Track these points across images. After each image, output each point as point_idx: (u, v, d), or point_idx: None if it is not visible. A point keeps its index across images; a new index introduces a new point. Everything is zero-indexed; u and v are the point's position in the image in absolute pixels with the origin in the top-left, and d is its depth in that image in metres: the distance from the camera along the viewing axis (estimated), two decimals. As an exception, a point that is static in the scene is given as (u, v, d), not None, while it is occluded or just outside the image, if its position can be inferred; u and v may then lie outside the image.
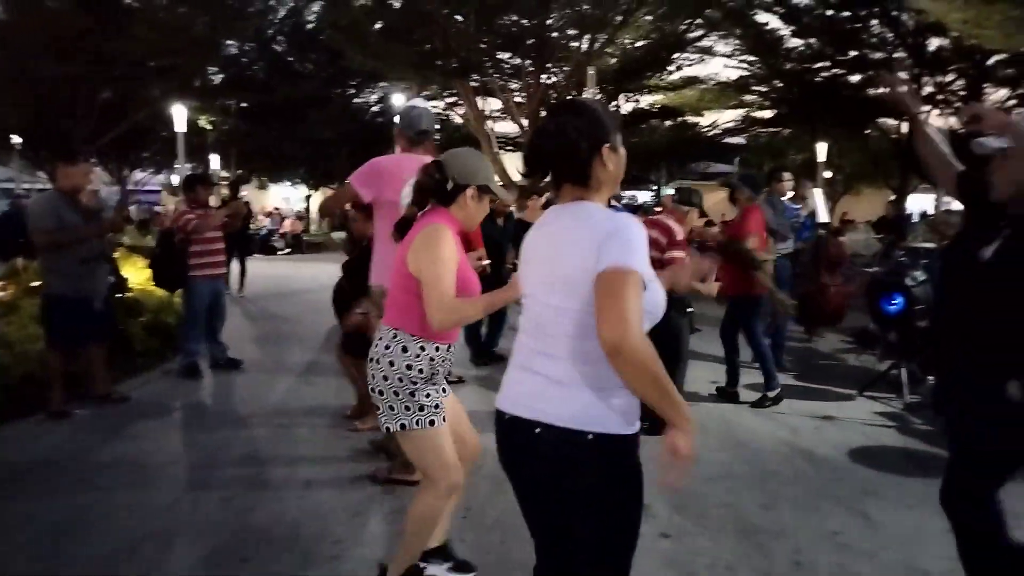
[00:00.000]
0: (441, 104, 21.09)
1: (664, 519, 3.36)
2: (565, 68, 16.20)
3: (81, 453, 4.13)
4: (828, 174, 21.57)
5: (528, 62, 16.08)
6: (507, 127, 18.93)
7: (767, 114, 19.85)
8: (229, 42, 19.82)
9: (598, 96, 15.79)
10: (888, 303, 5.58)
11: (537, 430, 1.68)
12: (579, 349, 1.64)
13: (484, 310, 2.46)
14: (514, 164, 18.49)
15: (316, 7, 20.35)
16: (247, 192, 22.14)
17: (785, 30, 17.03)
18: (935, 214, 12.56)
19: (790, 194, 6.88)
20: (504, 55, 16.46)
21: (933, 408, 5.06)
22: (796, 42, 17.34)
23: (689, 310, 4.86)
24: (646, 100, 20.07)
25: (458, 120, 20.31)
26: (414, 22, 14.80)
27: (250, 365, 6.22)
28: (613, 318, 1.50)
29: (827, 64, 17.46)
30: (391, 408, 2.38)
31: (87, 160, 5.29)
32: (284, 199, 33.48)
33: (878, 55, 16.43)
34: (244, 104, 22.22)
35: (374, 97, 24.24)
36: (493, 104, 17.71)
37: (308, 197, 29.36)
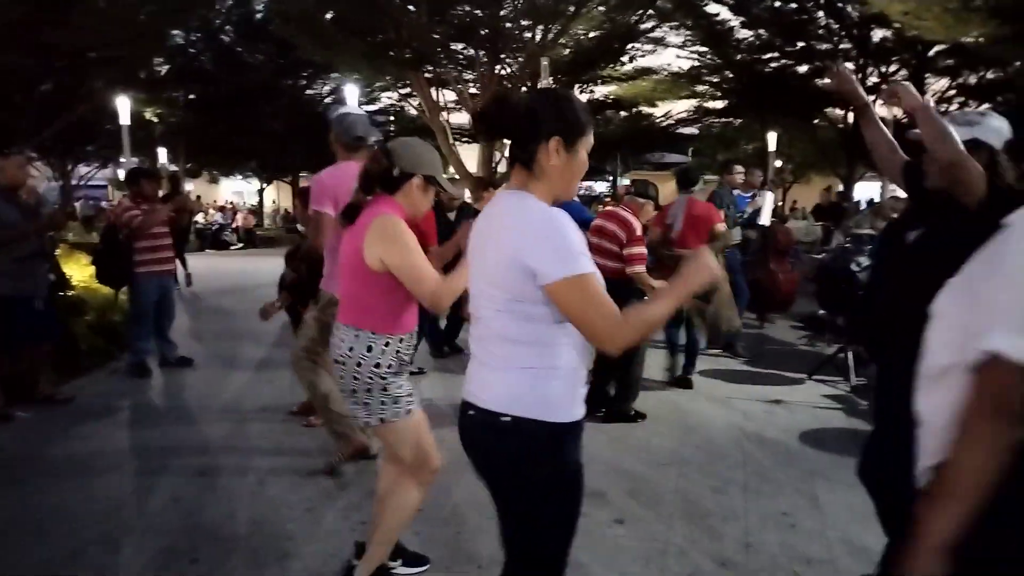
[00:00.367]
0: (395, 96, 20.91)
1: (618, 506, 3.41)
2: (519, 58, 16.17)
3: (24, 455, 4.01)
4: (779, 163, 21.99)
5: (482, 53, 16.01)
6: (462, 118, 18.83)
7: (719, 104, 20.09)
8: (175, 32, 19.30)
9: (553, 87, 15.83)
10: (834, 289, 5.73)
11: (470, 412, 1.73)
12: (505, 332, 1.66)
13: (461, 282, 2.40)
14: (471, 156, 18.45)
15: (265, -4, 19.95)
16: (192, 186, 21.61)
17: (735, 21, 17.27)
18: (881, 201, 12.91)
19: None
20: (458, 46, 16.36)
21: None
22: (746, 33, 17.58)
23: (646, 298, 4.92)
24: (600, 91, 20.17)
25: (413, 112, 20.14)
26: (365, 12, 14.59)
27: (201, 362, 6.10)
28: (598, 330, 1.57)
29: (776, 55, 17.76)
30: (367, 404, 2.40)
31: (21, 152, 5.11)
32: (236, 193, 32.84)
33: (824, 46, 16.78)
34: (192, 96, 21.67)
35: (327, 88, 23.88)
36: (448, 96, 17.60)
37: (261, 191, 28.83)
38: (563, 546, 1.75)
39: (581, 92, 19.45)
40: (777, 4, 16.62)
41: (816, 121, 19.02)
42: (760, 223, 7.25)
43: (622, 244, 4.49)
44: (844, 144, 17.43)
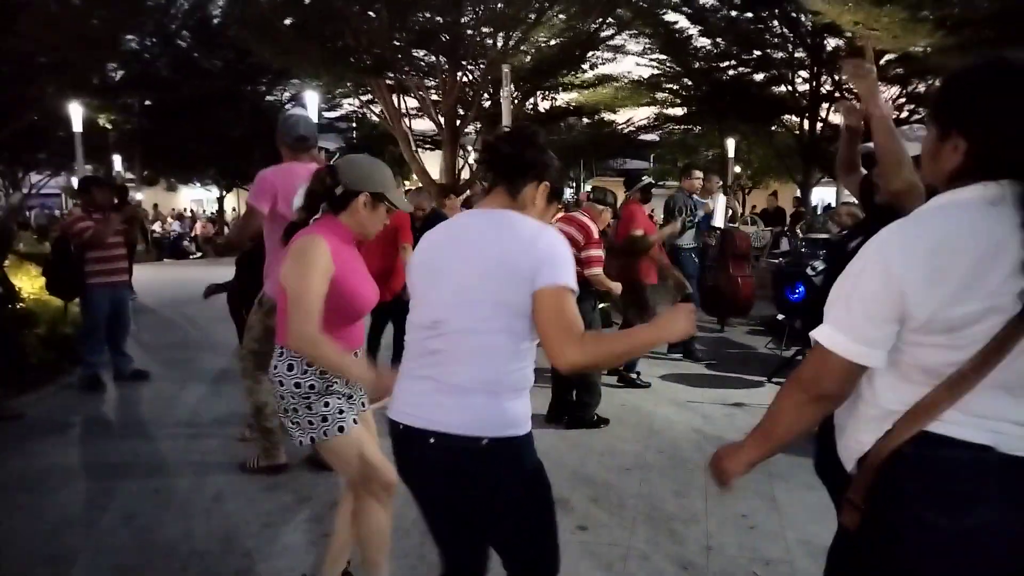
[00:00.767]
0: (356, 102, 20.75)
1: (581, 512, 3.41)
2: (481, 65, 16.19)
3: (-32, 476, 3.87)
4: (738, 169, 22.37)
5: (443, 60, 15.99)
6: (425, 125, 18.78)
7: (679, 111, 20.36)
8: (129, 37, 18.91)
9: (514, 94, 15.88)
10: (791, 292, 5.83)
11: (431, 440, 1.66)
12: (474, 349, 1.64)
13: (334, 368, 2.24)
14: (433, 163, 18.39)
15: (222, 1, 19.67)
16: (141, 195, 21.14)
17: (693, 30, 17.55)
18: (837, 206, 13.21)
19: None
20: (419, 52, 16.31)
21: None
22: (704, 42, 17.88)
23: (602, 305, 4.97)
24: (562, 98, 20.29)
25: (375, 119, 20.02)
26: (324, 18, 14.47)
27: (157, 375, 5.96)
28: (561, 341, 1.59)
29: (733, 63, 18.10)
30: (296, 424, 2.30)
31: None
32: (195, 201, 32.25)
33: (780, 55, 17.15)
34: (148, 102, 21.23)
35: (287, 95, 23.62)
36: (410, 102, 17.53)
37: (221, 199, 28.36)
38: (555, 542, 1.81)
39: (543, 99, 19.57)
40: (734, 14, 16.94)
41: (773, 128, 19.42)
42: (714, 225, 7.38)
43: (579, 247, 4.53)
44: (801, 150, 17.82)
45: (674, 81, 19.10)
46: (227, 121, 20.59)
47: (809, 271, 5.73)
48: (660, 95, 19.55)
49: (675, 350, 6.53)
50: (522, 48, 16.16)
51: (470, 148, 18.87)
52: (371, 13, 14.81)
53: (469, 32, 15.56)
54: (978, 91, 1.29)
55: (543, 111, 19.73)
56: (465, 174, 17.34)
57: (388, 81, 16.04)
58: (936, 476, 1.29)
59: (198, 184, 29.66)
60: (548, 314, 1.60)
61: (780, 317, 7.00)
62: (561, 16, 15.83)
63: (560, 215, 5.13)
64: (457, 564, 1.90)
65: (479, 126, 18.41)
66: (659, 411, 5.05)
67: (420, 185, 15.20)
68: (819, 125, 17.16)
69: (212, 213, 28.01)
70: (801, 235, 9.15)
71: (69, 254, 5.48)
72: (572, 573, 2.85)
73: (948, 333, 1.24)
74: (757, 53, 17.31)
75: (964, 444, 1.28)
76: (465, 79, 16.69)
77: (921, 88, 16.39)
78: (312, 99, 13.07)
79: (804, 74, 17.25)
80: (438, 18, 15.27)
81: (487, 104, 16.83)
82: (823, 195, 23.32)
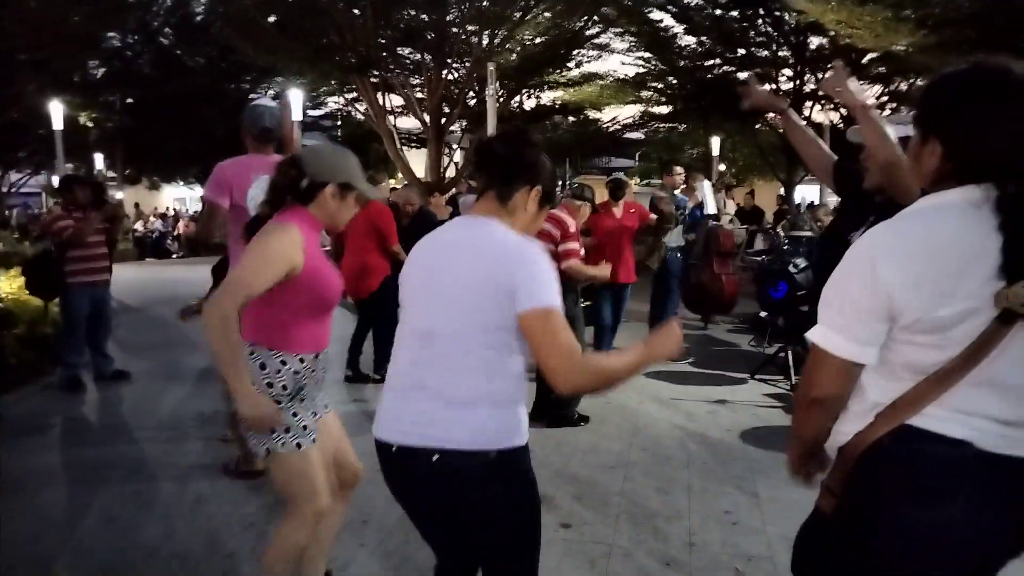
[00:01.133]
0: (341, 100, 20.67)
1: (564, 510, 3.42)
2: (466, 63, 16.18)
3: (-55, 479, 3.82)
4: (722, 167, 22.47)
5: (428, 57, 15.96)
6: (410, 123, 18.73)
7: (664, 110, 20.44)
8: (111, 34, 18.73)
9: (500, 93, 15.86)
10: (774, 290, 5.87)
11: (435, 457, 1.62)
12: (472, 361, 1.63)
13: (221, 361, 2.04)
14: (419, 161, 18.35)
15: (205, -1, 19.52)
16: (122, 194, 20.91)
17: (678, 28, 17.61)
18: (819, 205, 13.30)
19: (682, 186, 7.13)
20: (404, 50, 16.29)
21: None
22: (688, 40, 17.95)
23: (586, 303, 4.98)
24: (547, 96, 20.31)
25: (359, 116, 19.95)
26: (309, 16, 14.41)
27: (139, 376, 5.91)
28: (560, 365, 1.58)
29: (718, 61, 18.19)
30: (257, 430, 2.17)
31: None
32: (178, 200, 31.97)
33: (764, 53, 17.24)
34: (129, 100, 21.03)
35: (271, 92, 23.48)
36: (395, 100, 17.48)
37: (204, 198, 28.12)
38: (538, 549, 1.82)
39: (528, 97, 19.58)
40: (718, 12, 17.01)
41: (758, 126, 19.52)
42: (708, 213, 7.37)
43: (556, 241, 4.54)
44: (784, 148, 17.92)
45: (659, 79, 19.15)
46: (210, 119, 20.43)
47: (791, 268, 5.76)
48: (645, 93, 19.60)
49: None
50: (507, 46, 16.17)
51: (455, 146, 18.84)
52: (356, 11, 14.76)
53: (454, 30, 15.56)
54: (952, 97, 1.34)
55: (528, 109, 19.74)
56: (450, 172, 17.31)
57: (373, 79, 16.00)
58: (913, 469, 1.32)
59: (181, 183, 29.42)
60: (539, 339, 1.59)
61: (763, 314, 7.04)
62: (546, 14, 15.86)
63: None
64: (451, 564, 1.91)
65: (464, 124, 18.40)
66: (643, 409, 5.07)
67: (407, 183, 15.16)
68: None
69: (195, 212, 27.76)
70: (783, 233, 9.20)
71: (49, 253, 5.42)
72: (555, 570, 2.86)
73: (934, 333, 1.27)
74: (741, 51, 17.41)
75: (942, 438, 1.30)
76: (450, 77, 16.69)
77: (903, 87, 16.55)
78: (296, 97, 12.98)
79: (788, 72, 17.36)
80: (423, 16, 15.26)
81: (472, 102, 16.82)
82: (805, 193, 23.47)
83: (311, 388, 2.28)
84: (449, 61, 16.24)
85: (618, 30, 17.53)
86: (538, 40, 16.94)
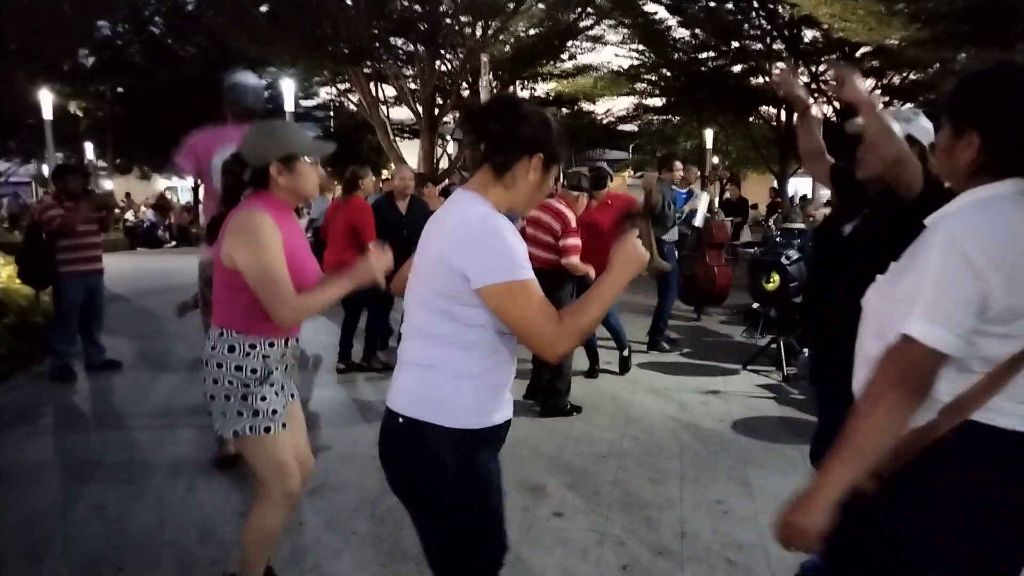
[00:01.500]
0: (334, 91, 20.56)
1: (557, 499, 3.43)
2: (460, 54, 16.11)
3: (-66, 468, 3.80)
4: (716, 159, 22.48)
5: (422, 48, 15.88)
6: (403, 114, 18.66)
7: (657, 102, 20.44)
8: (101, 23, 18.55)
9: (494, 84, 15.79)
10: (766, 281, 5.88)
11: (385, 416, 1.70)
12: (421, 328, 1.64)
13: (332, 299, 2.22)
14: (412, 151, 18.28)
15: (196, -13, 19.34)
16: (112, 184, 20.75)
17: (672, 20, 17.59)
18: (811, 199, 13.35)
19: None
20: (397, 41, 16.19)
21: (808, 379, 5.41)
22: (682, 32, 17.94)
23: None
24: (541, 88, 20.27)
25: (352, 107, 19.85)
26: (301, 6, 14.30)
27: (130, 365, 5.88)
28: (534, 338, 1.55)
29: (712, 54, 18.18)
30: (223, 414, 2.19)
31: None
32: (170, 189, 31.79)
33: (758, 46, 17.25)
34: (120, 89, 20.85)
35: (263, 82, 23.33)
36: (388, 91, 17.40)
37: (196, 188, 27.95)
38: (467, 563, 1.70)
39: (522, 89, 19.51)
40: (712, 4, 16.99)
41: (751, 119, 19.54)
42: (695, 224, 7.39)
43: (557, 235, 4.53)
44: (778, 141, 17.96)
45: (653, 71, 19.14)
46: (201, 109, 20.25)
47: (784, 260, 5.77)
48: (639, 85, 19.60)
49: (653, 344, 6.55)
50: (501, 37, 16.12)
51: (448, 137, 18.78)
52: (348, 1, 14.67)
53: (448, 21, 15.47)
54: (992, 90, 1.36)
55: (522, 101, 19.65)
56: (444, 163, 17.26)
57: (366, 70, 15.91)
58: (980, 464, 1.35)
59: (172, 174, 29.26)
60: (505, 314, 1.54)
61: (755, 306, 7.06)
62: (540, 5, 15.82)
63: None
64: None
65: (457, 115, 18.32)
66: (635, 399, 5.08)
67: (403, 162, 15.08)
68: (796, 116, 17.28)
69: (187, 202, 27.61)
70: (775, 227, 9.23)
71: (41, 242, 5.39)
72: (547, 558, 2.87)
73: (1009, 323, 1.29)
74: (735, 44, 17.40)
75: (1005, 433, 1.33)
76: (443, 68, 16.62)
77: (896, 80, 16.59)
78: (288, 87, 12.89)
79: (782, 65, 17.36)
80: (416, 6, 15.18)
81: (466, 93, 16.76)
82: (797, 186, 23.53)
83: (281, 373, 2.28)
84: (442, 52, 16.16)
85: (612, 22, 17.50)
86: (532, 31, 16.89)
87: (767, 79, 17.86)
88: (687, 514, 3.30)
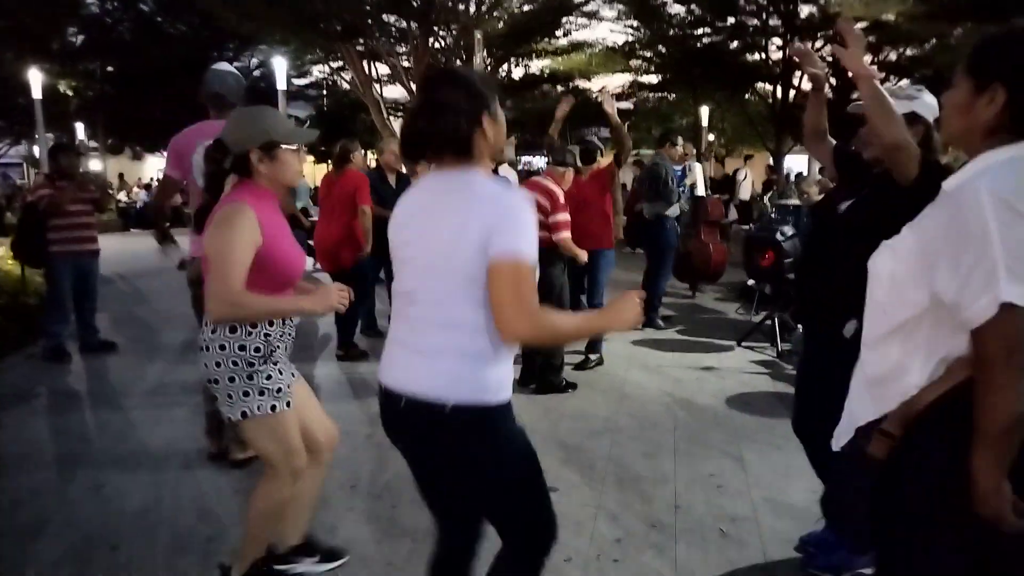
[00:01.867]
0: (327, 69, 20.37)
1: (552, 474, 3.42)
2: (453, 31, 15.96)
3: (-72, 448, 3.80)
4: (711, 137, 22.38)
5: (415, 25, 15.72)
6: (396, 92, 18.51)
7: (653, 79, 20.31)
8: (89, 0, 18.33)
9: (487, 61, 15.66)
10: (761, 258, 5.88)
11: (402, 403, 1.65)
12: (442, 316, 1.61)
13: (279, 311, 2.19)
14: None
15: (185, -37, 19.05)
16: (99, 164, 20.60)
17: (667, -5, 17.43)
18: (805, 176, 13.32)
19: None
20: (389, 18, 16.01)
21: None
22: (678, 8, 17.77)
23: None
24: (536, 65, 20.10)
25: (345, 86, 19.68)
26: (292, -19, 14.11)
27: (124, 347, 5.87)
28: (512, 315, 1.52)
29: (707, 30, 18.03)
30: (229, 396, 2.19)
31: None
32: (161, 171, 31.55)
33: (754, 22, 17.10)
34: (110, 68, 20.64)
35: (255, 61, 23.08)
36: (381, 69, 17.24)
37: (188, 169, 27.76)
38: (542, 505, 1.79)
39: (516, 66, 19.38)
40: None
41: (747, 96, 19.42)
42: (697, 195, 7.41)
43: (547, 213, 4.52)
44: (773, 118, 17.87)
45: (648, 48, 18.99)
46: (192, 89, 20.06)
47: (779, 236, 5.77)
48: (634, 62, 19.46)
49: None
50: (495, 13, 15.95)
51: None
52: (340, -23, 14.47)
53: (440, -4, 15.30)
54: (1019, 42, 1.36)
55: (517, 78, 19.54)
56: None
57: (359, 47, 15.75)
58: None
59: (164, 153, 29.03)
60: (499, 285, 1.53)
61: (750, 283, 7.07)
62: (534, -20, 15.63)
63: (526, 181, 5.09)
64: (444, 532, 1.90)
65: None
66: (630, 375, 5.10)
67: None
68: (792, 93, 17.21)
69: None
70: (771, 203, 9.22)
71: (34, 222, 5.38)
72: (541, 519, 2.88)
73: None
74: (731, 20, 17.25)
75: None
76: (437, 45, 16.44)
77: (892, 56, 16.48)
78: (280, 66, 12.77)
79: (777, 42, 17.24)
80: (409, -18, 14.99)
81: (460, 71, 16.60)
82: (792, 163, 23.49)
83: (283, 351, 2.30)
84: (436, 29, 15.99)
85: (607, -3, 17.34)
86: (526, 7, 16.72)
87: (763, 55, 17.75)
88: (681, 488, 3.32)
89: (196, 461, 3.59)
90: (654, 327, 6.47)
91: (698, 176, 7.68)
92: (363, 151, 5.88)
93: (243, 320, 2.15)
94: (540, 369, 4.67)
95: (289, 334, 2.32)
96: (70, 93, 19.11)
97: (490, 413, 1.63)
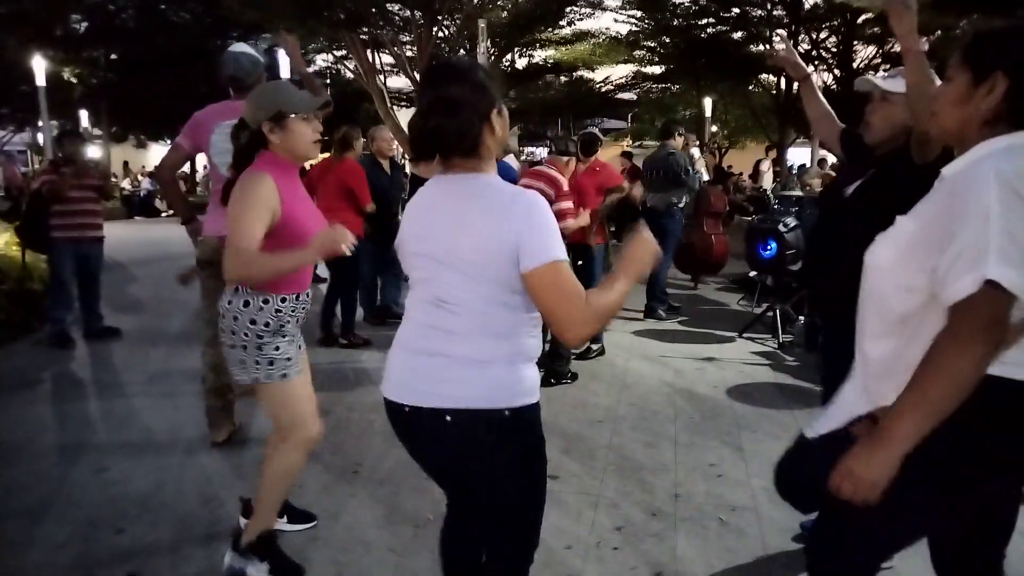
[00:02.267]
0: (330, 58, 20.32)
1: (553, 463, 3.40)
2: (457, 20, 15.89)
3: (-66, 432, 3.83)
4: (714, 128, 22.33)
5: (419, 14, 15.65)
6: (400, 82, 18.46)
7: (657, 70, 20.23)
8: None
9: (491, 51, 15.60)
10: (763, 249, 5.89)
11: (448, 417, 1.59)
12: (486, 325, 1.58)
13: (290, 266, 2.22)
14: (407, 119, 18.12)
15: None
16: (98, 152, 20.55)
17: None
18: (810, 168, 13.29)
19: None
20: (394, 7, 15.95)
21: (803, 346, 5.44)
22: (681, -2, 17.68)
23: (579, 262, 4.98)
24: (539, 55, 20.03)
25: (349, 75, 19.63)
26: (296, -31, 14.05)
27: (128, 333, 5.90)
28: (566, 315, 1.51)
29: (711, 20, 17.93)
30: (242, 362, 2.33)
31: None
32: (165, 159, 31.55)
33: (758, 12, 17.00)
34: (113, 56, 20.60)
35: (252, 52, 22.99)
36: (385, 58, 17.19)
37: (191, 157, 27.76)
38: (542, 510, 1.80)
39: (520, 56, 19.31)
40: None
41: (751, 87, 19.35)
42: (705, 182, 7.45)
43: (551, 201, 4.50)
44: (777, 110, 17.80)
45: (652, 38, 18.90)
46: (196, 77, 20.05)
47: (781, 228, 5.77)
48: (638, 53, 19.38)
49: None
50: (499, 2, 15.87)
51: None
52: (344, -35, 14.42)
53: (444, -15, 15.23)
54: (1020, 33, 1.37)
55: (520, 68, 19.47)
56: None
57: (362, 36, 15.69)
58: (997, 413, 1.38)
59: (168, 141, 29.00)
60: (548, 294, 1.52)
61: (752, 274, 7.08)
62: (538, -30, 15.55)
63: (529, 169, 5.09)
64: (460, 518, 1.91)
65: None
66: (631, 365, 5.11)
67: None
68: (795, 85, 17.11)
69: (184, 171, 27.41)
70: (773, 195, 9.21)
71: (39, 208, 5.42)
72: (543, 520, 2.90)
73: None
74: (735, 10, 17.15)
75: (1012, 383, 1.38)
76: (441, 35, 16.38)
77: (897, 48, 16.38)
78: (284, 54, 12.72)
79: (782, 32, 17.13)
80: (413, -29, 14.92)
81: (464, 60, 16.55)
82: (795, 156, 23.43)
83: (293, 326, 2.41)
84: (439, 18, 15.92)
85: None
86: (530, -4, 16.64)
87: (768, 46, 17.65)
88: (681, 477, 3.34)
89: (199, 446, 3.61)
90: (656, 317, 6.48)
91: (700, 165, 7.72)
92: (363, 139, 5.90)
93: (255, 281, 2.23)
94: (547, 357, 4.65)
95: (302, 308, 2.43)
96: (74, 80, 19.08)
97: (535, 411, 1.66)
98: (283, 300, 2.33)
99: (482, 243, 1.52)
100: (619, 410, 4.22)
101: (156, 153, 31.65)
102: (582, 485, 3.25)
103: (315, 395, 2.58)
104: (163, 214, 19.21)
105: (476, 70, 1.60)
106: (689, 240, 7.68)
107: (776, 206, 6.83)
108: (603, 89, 21.41)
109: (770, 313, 5.89)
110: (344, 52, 17.67)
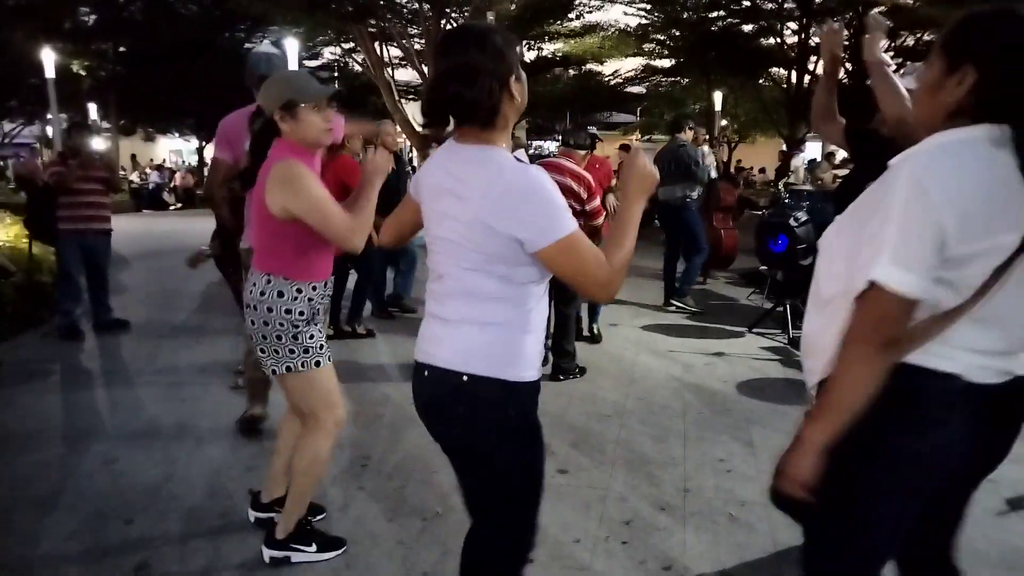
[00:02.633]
0: (338, 51, 20.30)
1: (561, 457, 3.45)
2: (466, 12, 15.84)
3: (-56, 423, 3.84)
4: (724, 122, 22.22)
5: (427, 7, 15.62)
6: (408, 75, 18.43)
7: (666, 63, 20.12)
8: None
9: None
10: (773, 244, 5.84)
11: (425, 373, 1.63)
12: (476, 290, 1.56)
13: (370, 205, 2.35)
14: (415, 112, 18.09)
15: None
16: (103, 144, 20.64)
17: (680, -23, 17.23)
18: (820, 162, 13.20)
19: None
20: (401, -1, 15.95)
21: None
22: (692, -10, 17.58)
23: None
24: (548, 48, 19.95)
25: (357, 68, 19.61)
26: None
27: (137, 325, 5.90)
28: (589, 280, 1.52)
29: (722, 13, 17.81)
30: (276, 352, 2.35)
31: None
32: (175, 152, 31.65)
33: (769, 5, 16.89)
34: (122, 48, 20.63)
35: (267, 42, 23.01)
36: (393, 51, 17.16)
37: (200, 149, 27.83)
38: (530, 506, 1.70)
39: (529, 49, 19.23)
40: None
41: (761, 81, 19.23)
42: (712, 177, 7.44)
43: (583, 201, 4.41)
44: (787, 103, 17.69)
45: (662, 31, 18.80)
46: (204, 70, 20.07)
47: (792, 222, 5.72)
48: (647, 46, 19.28)
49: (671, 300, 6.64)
50: (507, -5, 15.82)
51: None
52: (352, -43, 14.40)
53: (453, -23, 15.20)
54: (997, 28, 1.31)
55: (529, 61, 19.40)
56: (449, 125, 17.05)
57: (371, 29, 15.67)
58: (913, 405, 1.36)
59: (176, 134, 29.09)
60: (566, 267, 1.50)
61: (762, 268, 7.03)
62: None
63: (549, 162, 5.02)
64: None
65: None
66: (640, 360, 5.09)
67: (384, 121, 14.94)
68: (807, 78, 17.01)
69: (191, 164, 27.49)
70: (784, 189, 9.16)
71: (47, 199, 5.43)
72: (551, 514, 2.89)
73: (958, 269, 1.26)
74: (746, 3, 17.04)
75: (936, 374, 1.34)
76: (449, 27, 16.34)
77: (910, 41, 16.26)
78: (292, 47, 12.70)
79: (793, 26, 17.03)
80: (421, -38, 14.88)
81: (472, 53, 16.50)
82: (808, 150, 23.30)
83: (321, 315, 2.47)
84: (448, 11, 15.89)
85: (621, -22, 17.16)
86: (539, -12, 16.58)
87: (778, 39, 17.53)
88: (690, 472, 3.32)
89: (208, 438, 3.62)
90: (680, 303, 6.58)
91: (711, 160, 7.70)
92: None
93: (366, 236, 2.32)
94: (554, 353, 4.63)
95: (328, 295, 2.51)
96: (82, 73, 19.13)
97: (508, 390, 1.57)
98: (314, 288, 2.37)
99: (476, 218, 1.50)
100: (627, 404, 4.20)
101: (164, 146, 31.79)
102: (591, 479, 3.24)
103: None
104: (171, 207, 19.29)
105: (493, 33, 1.54)
106: (698, 234, 7.64)
107: (787, 200, 6.78)
108: (612, 83, 21.32)
109: (780, 308, 5.85)
110: (352, 45, 17.66)
